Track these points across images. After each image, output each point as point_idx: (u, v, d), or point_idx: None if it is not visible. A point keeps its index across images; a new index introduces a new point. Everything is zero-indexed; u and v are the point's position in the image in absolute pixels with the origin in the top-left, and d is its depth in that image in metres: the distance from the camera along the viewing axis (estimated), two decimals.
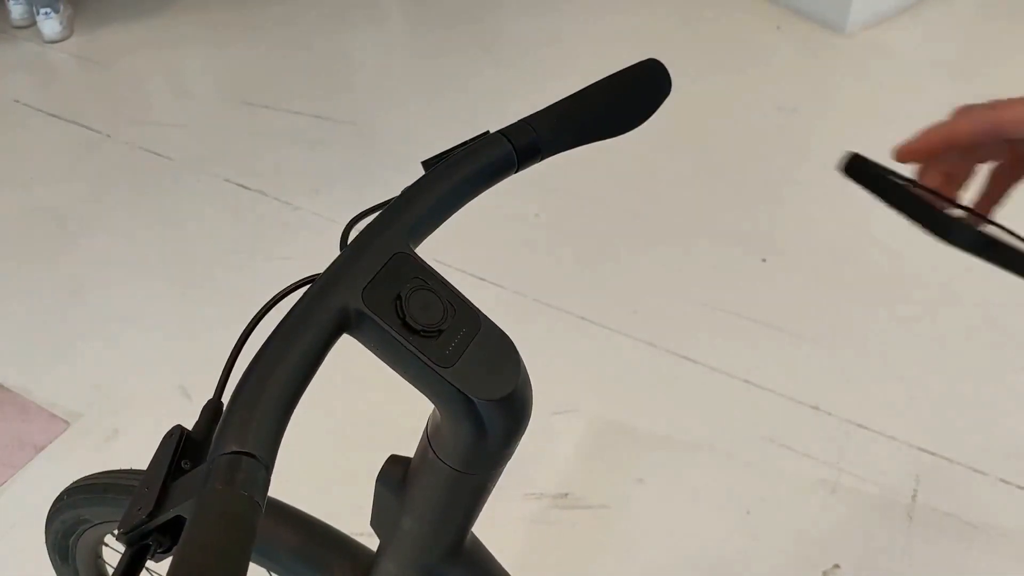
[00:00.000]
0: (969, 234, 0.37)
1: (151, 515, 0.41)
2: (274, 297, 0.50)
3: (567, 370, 1.65)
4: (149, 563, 0.43)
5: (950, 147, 0.38)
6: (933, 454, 1.53)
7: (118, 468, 0.84)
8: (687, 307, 1.81)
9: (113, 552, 0.96)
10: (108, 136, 2.32)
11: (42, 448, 1.53)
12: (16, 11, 2.75)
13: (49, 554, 0.94)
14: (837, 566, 1.37)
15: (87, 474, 0.85)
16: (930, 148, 0.38)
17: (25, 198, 2.14)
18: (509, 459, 0.54)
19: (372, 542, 0.72)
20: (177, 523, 0.41)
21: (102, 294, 1.86)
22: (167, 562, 0.41)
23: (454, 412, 0.50)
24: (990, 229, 0.38)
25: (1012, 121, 0.37)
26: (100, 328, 1.78)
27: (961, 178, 0.40)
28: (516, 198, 1.96)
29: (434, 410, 0.54)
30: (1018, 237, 0.40)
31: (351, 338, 0.48)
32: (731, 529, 1.42)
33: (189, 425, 0.48)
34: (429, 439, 0.55)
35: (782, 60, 2.65)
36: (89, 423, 1.58)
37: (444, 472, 0.54)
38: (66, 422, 1.58)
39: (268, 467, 0.41)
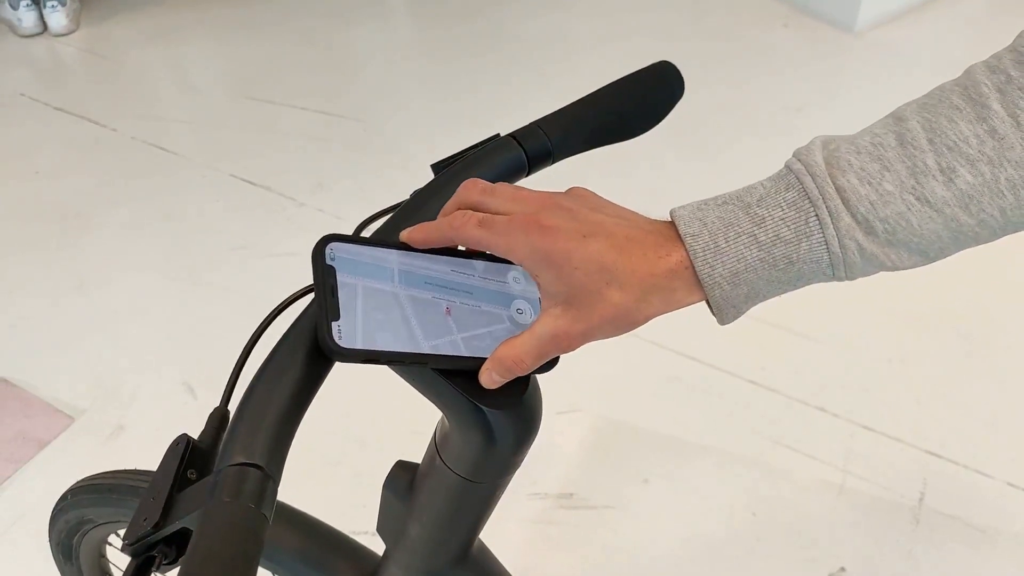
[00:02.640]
0: (342, 353, 0.43)
1: (157, 526, 0.40)
2: (281, 303, 0.49)
3: (571, 370, 1.64)
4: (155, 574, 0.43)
5: (428, 243, 0.48)
6: (940, 457, 1.52)
7: (122, 468, 0.84)
8: (692, 307, 1.80)
9: (117, 552, 0.96)
10: (114, 130, 2.32)
11: (46, 444, 1.53)
12: (27, 19, 2.69)
13: (52, 553, 0.94)
14: (843, 569, 1.36)
15: (91, 473, 0.85)
16: (414, 241, 0.48)
17: (30, 192, 2.14)
18: (518, 467, 0.54)
19: (375, 542, 0.71)
20: (183, 534, 0.41)
21: (107, 289, 1.85)
22: (173, 572, 0.41)
23: (463, 420, 0.49)
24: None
25: (461, 239, 0.47)
26: (104, 323, 1.77)
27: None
28: None
29: (442, 417, 0.53)
30: None
31: None
32: (736, 531, 1.42)
33: (194, 429, 0.48)
34: (437, 446, 0.54)
35: (789, 58, 2.64)
36: (93, 419, 1.57)
37: (452, 480, 0.54)
38: (70, 418, 1.57)
39: (275, 479, 0.40)
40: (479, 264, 0.49)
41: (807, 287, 0.46)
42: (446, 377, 0.46)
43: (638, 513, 1.44)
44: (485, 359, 0.46)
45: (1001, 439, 1.55)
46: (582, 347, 0.45)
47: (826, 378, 1.66)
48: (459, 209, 0.48)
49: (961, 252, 0.44)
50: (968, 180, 0.40)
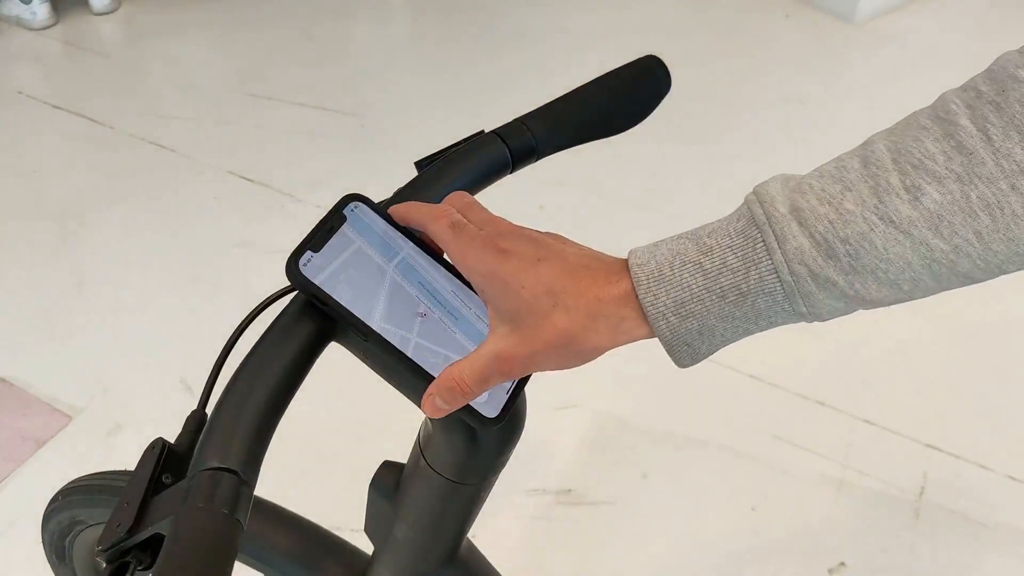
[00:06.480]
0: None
1: (130, 531, 0.40)
2: (260, 304, 0.49)
3: None
4: None
5: (406, 220, 0.49)
6: (940, 450, 1.51)
7: (112, 469, 0.83)
8: None
9: None
10: (111, 128, 2.31)
11: (44, 443, 1.53)
12: (41, 11, 2.68)
13: (46, 554, 0.93)
14: (843, 564, 1.36)
15: (83, 474, 0.84)
16: (397, 214, 0.49)
17: (28, 190, 2.13)
18: (503, 467, 0.53)
19: (366, 540, 0.71)
20: (158, 540, 0.40)
21: (104, 287, 1.85)
22: None
23: (445, 423, 0.49)
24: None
25: (430, 230, 0.46)
26: (102, 321, 1.77)
27: None
28: (520, 191, 1.95)
29: (425, 419, 0.52)
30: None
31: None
32: (736, 526, 1.41)
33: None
34: (421, 448, 0.54)
35: (790, 49, 2.63)
36: (91, 417, 1.57)
37: (437, 481, 0.53)
38: (68, 416, 1.57)
39: (250, 484, 0.40)
40: (479, 301, 0.49)
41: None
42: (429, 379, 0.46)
43: (637, 509, 1.44)
44: (421, 368, 0.45)
45: (1001, 432, 1.55)
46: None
47: (826, 372, 1.65)
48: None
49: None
50: (935, 198, 0.37)
